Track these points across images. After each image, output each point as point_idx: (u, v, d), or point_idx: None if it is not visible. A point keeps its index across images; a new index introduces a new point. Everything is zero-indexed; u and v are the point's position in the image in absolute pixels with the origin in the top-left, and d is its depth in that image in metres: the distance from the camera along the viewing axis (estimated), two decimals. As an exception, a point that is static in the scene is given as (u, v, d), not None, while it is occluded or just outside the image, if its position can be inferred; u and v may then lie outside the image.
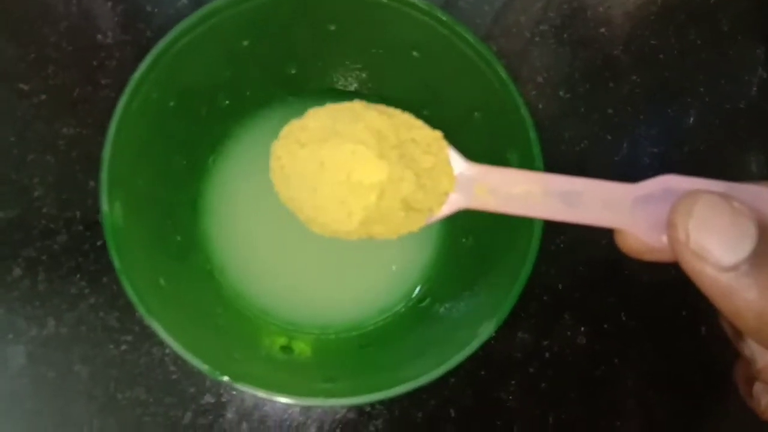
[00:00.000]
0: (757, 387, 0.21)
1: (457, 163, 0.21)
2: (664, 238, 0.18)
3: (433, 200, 0.21)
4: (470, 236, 0.29)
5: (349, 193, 0.20)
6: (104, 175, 0.22)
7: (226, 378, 0.21)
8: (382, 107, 0.22)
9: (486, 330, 0.22)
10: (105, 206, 0.22)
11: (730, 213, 0.16)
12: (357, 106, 0.22)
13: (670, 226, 0.17)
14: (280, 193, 0.22)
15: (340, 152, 0.20)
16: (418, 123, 0.22)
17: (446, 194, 0.21)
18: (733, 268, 0.16)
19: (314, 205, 0.21)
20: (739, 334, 0.21)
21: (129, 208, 0.23)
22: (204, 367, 0.21)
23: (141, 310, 0.21)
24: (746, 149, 0.38)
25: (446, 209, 0.21)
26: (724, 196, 0.17)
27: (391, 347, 0.27)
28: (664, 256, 0.19)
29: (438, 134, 0.22)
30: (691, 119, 0.37)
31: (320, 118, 0.21)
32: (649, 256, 0.19)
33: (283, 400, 0.21)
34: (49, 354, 0.29)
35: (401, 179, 0.20)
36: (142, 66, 0.23)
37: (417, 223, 0.21)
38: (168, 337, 0.21)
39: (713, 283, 0.16)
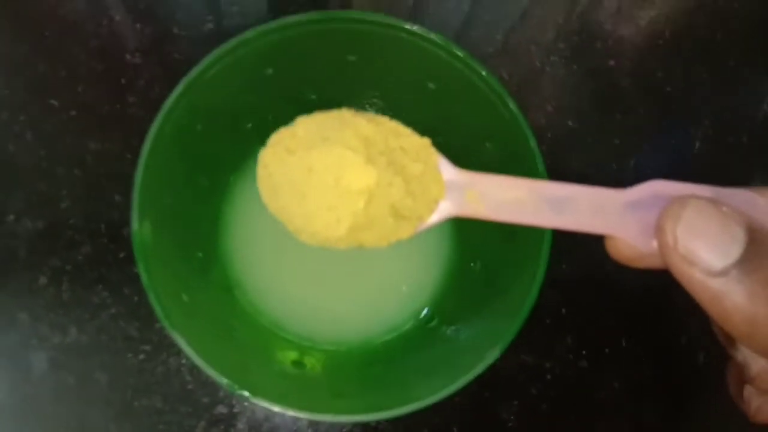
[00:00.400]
0: (748, 390, 0.21)
1: (447, 170, 0.21)
2: (654, 244, 0.18)
3: (422, 207, 0.21)
4: (479, 261, 0.30)
5: (337, 199, 0.20)
6: (136, 195, 0.23)
7: (245, 393, 0.22)
8: (370, 115, 0.22)
9: (491, 355, 0.23)
10: (135, 225, 0.23)
11: (718, 218, 0.16)
12: (345, 114, 0.22)
13: (658, 230, 0.17)
14: (268, 202, 0.21)
15: (329, 157, 0.20)
16: (407, 131, 0.22)
17: (436, 201, 0.21)
18: (722, 272, 0.16)
19: (303, 213, 0.21)
20: (731, 340, 0.21)
21: (156, 226, 0.24)
22: (223, 381, 0.22)
23: (165, 324, 0.22)
24: (749, 181, 0.39)
25: (436, 217, 0.21)
26: (713, 201, 0.17)
27: (399, 366, 0.28)
28: (655, 262, 0.18)
29: (426, 141, 0.21)
30: (696, 150, 0.38)
31: (309, 125, 0.21)
32: (639, 263, 0.19)
33: (297, 414, 0.22)
34: (70, 361, 0.31)
35: (390, 185, 0.20)
36: (174, 93, 0.24)
37: (406, 231, 0.21)
38: (190, 350, 0.22)
39: (702, 287, 0.16)
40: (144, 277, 0.23)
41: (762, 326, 0.16)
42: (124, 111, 0.34)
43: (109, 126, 0.33)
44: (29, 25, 0.34)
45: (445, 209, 0.21)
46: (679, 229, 0.17)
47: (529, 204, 0.20)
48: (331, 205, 0.20)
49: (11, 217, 0.32)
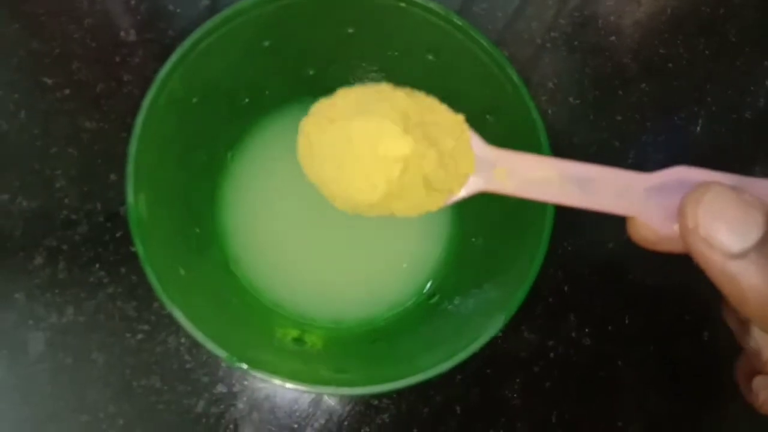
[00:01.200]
0: (757, 381, 0.22)
1: (478, 146, 0.22)
2: (676, 227, 0.19)
3: (453, 181, 0.21)
4: (480, 236, 0.29)
5: (374, 167, 0.21)
6: (130, 168, 0.23)
7: (243, 365, 0.22)
8: (408, 90, 0.22)
9: (495, 325, 0.23)
10: (131, 198, 0.23)
11: (739, 203, 0.17)
12: (385, 87, 0.22)
13: (680, 214, 0.18)
14: (306, 169, 0.22)
15: (368, 127, 0.21)
16: (442, 107, 0.22)
17: (466, 176, 0.21)
18: (741, 255, 0.16)
19: (340, 180, 0.21)
20: (744, 328, 0.22)
21: (152, 200, 0.24)
22: (222, 353, 0.22)
23: (162, 297, 0.22)
24: (752, 159, 0.38)
25: (465, 190, 0.22)
26: (735, 188, 0.17)
27: (401, 342, 0.28)
28: (674, 246, 0.19)
29: (460, 118, 0.22)
30: (698, 128, 0.38)
31: (349, 96, 0.22)
32: (659, 246, 0.20)
33: (297, 387, 0.22)
34: (67, 341, 0.30)
35: (424, 156, 0.21)
36: (168, 63, 0.24)
37: (437, 202, 0.22)
38: (188, 323, 0.22)
39: (721, 269, 0.17)
40: (140, 250, 0.22)
41: None
42: (119, 89, 0.33)
43: (104, 104, 0.33)
44: (22, 2, 0.34)
45: (474, 184, 0.21)
46: (700, 213, 0.17)
47: (556, 183, 0.20)
48: (367, 172, 0.21)
49: (6, 196, 0.31)
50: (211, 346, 0.22)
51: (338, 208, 0.22)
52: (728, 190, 0.17)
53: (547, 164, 0.20)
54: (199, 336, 0.22)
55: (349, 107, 0.22)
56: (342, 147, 0.21)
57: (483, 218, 0.30)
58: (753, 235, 0.16)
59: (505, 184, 0.21)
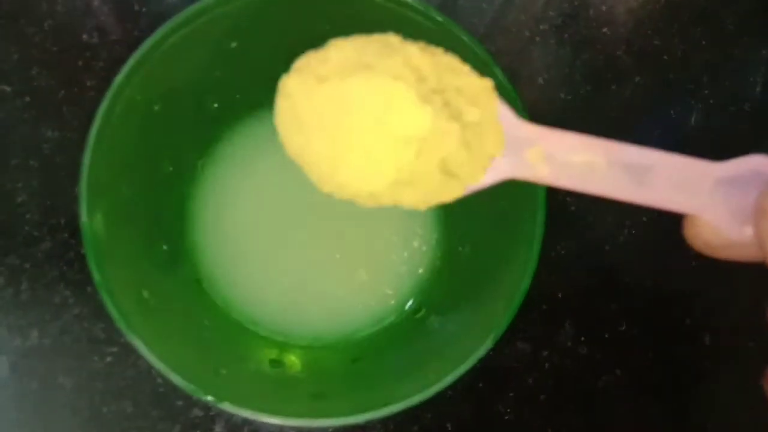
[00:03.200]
0: None
1: (509, 120, 0.17)
2: (748, 230, 0.16)
3: (476, 164, 0.17)
4: (468, 244, 0.28)
5: (379, 145, 0.16)
6: (83, 185, 0.21)
7: (210, 398, 0.20)
8: (422, 44, 0.18)
9: (483, 347, 0.21)
10: (84, 217, 0.21)
11: None
12: (393, 38, 0.17)
13: (759, 213, 0.15)
14: (287, 141, 0.17)
15: (372, 89, 0.16)
16: (465, 68, 0.18)
17: (491, 158, 0.17)
18: None
19: (332, 158, 0.17)
20: None
21: (111, 217, 0.22)
22: (188, 386, 0.20)
23: (121, 326, 0.20)
24: (750, 151, 0.37)
25: (490, 177, 0.17)
26: None
27: (384, 361, 0.26)
28: (746, 253, 0.16)
29: (488, 83, 0.18)
30: (694, 121, 0.36)
31: (345, 48, 0.17)
32: (724, 252, 0.17)
33: (268, 420, 0.20)
34: (32, 365, 0.29)
35: (445, 133, 0.16)
36: (125, 68, 0.22)
37: (454, 191, 0.17)
38: (149, 354, 0.20)
39: None
40: (96, 275, 0.21)
41: None
42: (82, 95, 0.31)
43: (67, 112, 0.31)
44: (-24, 4, 0.32)
45: (501, 168, 0.17)
46: None
47: (603, 170, 0.17)
48: (370, 151, 0.16)
49: (-38, 213, 0.30)
50: (175, 377, 0.20)
51: (326, 193, 0.18)
52: None
53: (595, 146, 0.17)
54: (161, 366, 0.20)
55: (346, 62, 0.17)
56: (336, 116, 0.16)
57: (471, 224, 0.28)
58: None
59: (540, 169, 0.17)
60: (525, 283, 0.22)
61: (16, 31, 0.32)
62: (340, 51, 0.17)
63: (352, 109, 0.16)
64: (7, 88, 0.31)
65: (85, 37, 0.32)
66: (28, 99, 0.31)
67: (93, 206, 0.21)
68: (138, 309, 0.22)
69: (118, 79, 0.22)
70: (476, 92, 0.18)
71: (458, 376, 0.21)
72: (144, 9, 0.32)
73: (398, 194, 0.17)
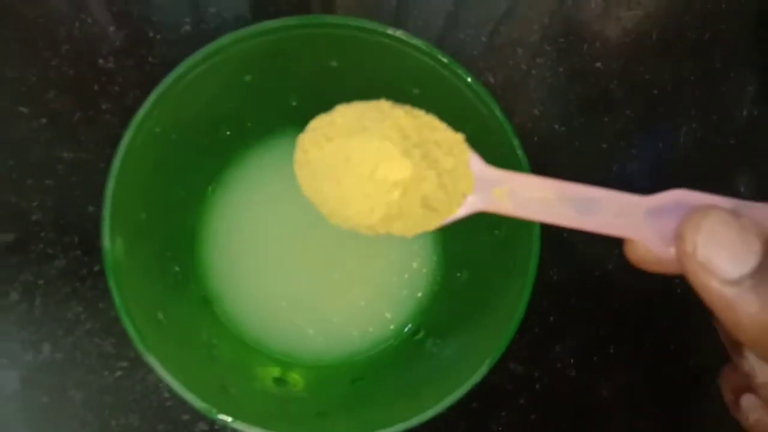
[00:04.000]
0: (746, 401, 0.21)
1: (478, 166, 0.21)
2: (673, 250, 0.19)
3: (452, 201, 0.21)
4: (465, 270, 0.29)
5: (372, 188, 0.21)
6: (106, 212, 0.22)
7: (227, 418, 0.21)
8: (408, 108, 0.22)
9: (480, 371, 0.23)
10: (107, 243, 0.22)
11: (737, 229, 0.17)
12: (384, 104, 0.22)
13: (678, 237, 0.18)
14: (304, 185, 0.22)
15: (367, 148, 0.21)
16: (441, 125, 0.22)
17: (464, 196, 0.21)
18: (738, 282, 0.16)
19: (338, 198, 0.21)
20: (738, 349, 0.22)
21: (130, 242, 0.23)
22: (202, 405, 0.21)
23: (141, 348, 0.21)
24: (735, 184, 0.38)
25: (463, 210, 0.21)
26: (733, 213, 0.17)
27: (384, 382, 0.27)
28: (671, 268, 0.19)
29: (460, 137, 0.22)
30: (683, 152, 0.38)
31: (348, 114, 0.22)
32: (656, 267, 0.20)
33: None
34: (43, 379, 0.29)
35: (424, 178, 0.21)
36: (147, 103, 0.23)
37: (434, 222, 0.21)
38: (166, 374, 0.21)
39: (717, 295, 0.17)
40: (117, 300, 0.22)
41: None
42: (97, 118, 0.32)
43: (82, 134, 0.32)
44: (-4, 29, 0.33)
45: (472, 203, 0.21)
46: (699, 238, 0.17)
47: (556, 204, 0.20)
48: (366, 193, 0.21)
49: (-21, 230, 0.31)
50: (190, 397, 0.21)
51: (335, 224, 0.22)
52: (727, 215, 0.17)
53: (548, 185, 0.20)
54: (177, 386, 0.21)
55: (348, 125, 0.22)
56: (340, 166, 0.21)
57: (468, 251, 0.30)
58: (750, 262, 0.16)
59: (505, 204, 0.21)
60: (520, 311, 0.23)
61: (34, 54, 0.33)
62: (343, 116, 0.22)
63: (353, 161, 0.21)
64: (25, 110, 0.32)
65: (101, 61, 0.33)
66: (44, 120, 0.32)
67: (114, 232, 0.22)
68: (154, 329, 0.23)
69: (140, 113, 0.23)
70: (451, 144, 0.22)
71: (455, 400, 0.23)
72: (158, 36, 0.34)
73: (389, 225, 0.22)
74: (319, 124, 0.22)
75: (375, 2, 0.38)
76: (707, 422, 0.34)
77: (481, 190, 0.21)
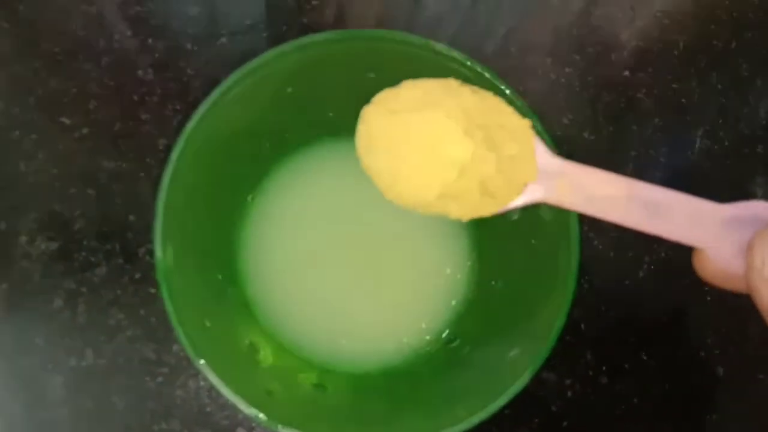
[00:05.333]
0: None
1: (543, 155, 0.21)
2: (743, 264, 0.18)
3: (512, 187, 0.21)
4: (500, 280, 0.29)
5: (431, 165, 0.20)
6: (158, 222, 0.23)
7: (278, 426, 0.22)
8: (475, 87, 0.22)
9: (522, 379, 0.23)
10: (159, 252, 0.23)
11: None
12: (452, 83, 0.22)
13: (748, 249, 0.17)
14: (362, 157, 0.22)
15: (429, 122, 0.20)
16: (509, 109, 0.22)
17: (525, 184, 0.21)
18: None
19: (395, 172, 0.21)
20: None
21: (179, 251, 0.24)
22: (249, 411, 0.22)
23: (191, 354, 0.22)
24: (761, 189, 0.38)
25: (523, 199, 0.21)
26: None
27: (424, 390, 0.28)
28: (740, 286, 0.18)
29: (527, 123, 0.22)
30: (710, 160, 0.38)
31: (414, 89, 0.22)
32: (725, 283, 0.19)
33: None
34: (87, 385, 0.30)
35: (483, 161, 0.20)
36: (195, 117, 0.24)
37: (491, 208, 0.21)
38: (216, 379, 0.22)
39: None
40: (170, 307, 0.22)
41: None
42: (137, 128, 0.33)
43: (122, 144, 0.33)
44: (39, 41, 0.34)
45: (533, 192, 0.21)
46: None
47: (623, 203, 0.19)
48: (423, 169, 0.20)
49: (24, 238, 0.31)
50: (238, 402, 0.22)
51: (390, 199, 0.22)
52: None
53: (617, 182, 0.19)
54: (227, 392, 0.22)
55: (413, 99, 0.21)
56: (401, 140, 0.21)
57: (504, 260, 0.30)
58: None
59: (567, 198, 0.20)
60: (561, 319, 0.24)
61: (75, 66, 0.34)
62: (409, 90, 0.22)
63: (414, 136, 0.21)
64: (67, 121, 0.33)
65: (140, 73, 0.34)
66: (85, 131, 0.33)
67: (166, 241, 0.23)
68: (202, 336, 0.23)
69: (189, 126, 0.24)
70: (516, 129, 0.21)
71: (497, 408, 0.23)
72: (196, 48, 0.35)
73: (445, 205, 0.21)
74: (384, 97, 0.22)
75: (387, 13, 0.38)
76: (732, 430, 0.34)
77: (543, 181, 0.20)
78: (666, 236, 0.19)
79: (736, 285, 0.18)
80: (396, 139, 0.21)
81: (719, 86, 0.39)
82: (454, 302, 0.31)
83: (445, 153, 0.20)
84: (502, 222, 0.25)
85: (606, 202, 0.19)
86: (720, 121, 0.38)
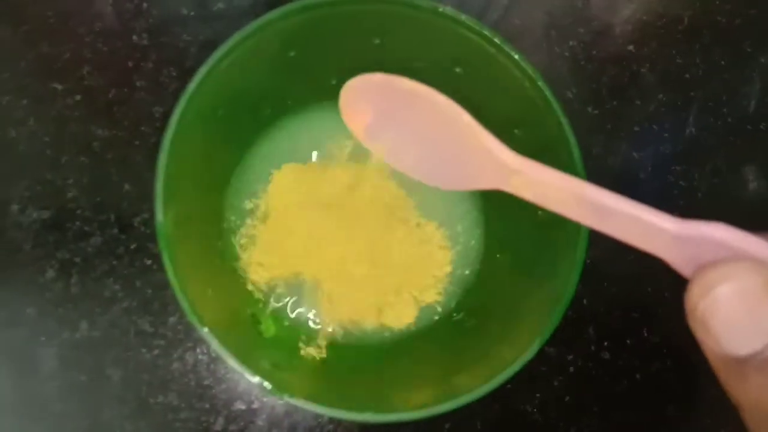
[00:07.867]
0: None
1: (501, 151, 0.21)
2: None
3: None
4: (507, 252, 0.29)
5: None
6: (159, 186, 0.22)
7: (285, 395, 0.21)
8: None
9: (531, 350, 0.23)
10: (160, 216, 0.22)
11: (754, 301, 0.14)
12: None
13: (690, 281, 0.16)
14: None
15: None
16: None
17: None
18: (744, 359, 0.14)
19: None
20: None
21: (180, 217, 0.23)
22: (255, 380, 0.21)
23: (194, 321, 0.21)
24: (766, 169, 0.38)
25: (482, 186, 0.22)
26: (762, 281, 0.15)
27: (427, 362, 0.27)
28: None
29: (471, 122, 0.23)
30: (714, 138, 0.38)
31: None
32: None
33: (340, 415, 0.21)
34: (80, 357, 0.29)
35: None
36: (197, 77, 0.23)
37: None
38: (221, 348, 0.21)
39: (717, 366, 0.15)
40: (171, 274, 0.21)
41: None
42: (131, 95, 0.32)
43: (117, 111, 0.32)
44: (31, 5, 0.33)
45: (492, 183, 0.22)
46: (703, 303, 0.15)
47: (573, 204, 0.19)
48: None
49: (15, 207, 0.30)
50: (244, 370, 0.21)
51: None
52: (754, 277, 0.15)
53: (568, 183, 0.19)
54: (232, 361, 0.21)
55: None
56: None
57: (510, 232, 0.29)
58: (755, 344, 0.14)
59: (523, 193, 0.21)
60: (570, 290, 0.24)
61: (67, 31, 0.33)
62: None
63: None
64: (59, 87, 0.32)
65: (135, 38, 0.33)
66: (78, 97, 0.32)
67: (167, 206, 0.22)
68: (205, 305, 0.22)
69: (191, 87, 0.23)
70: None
71: (505, 379, 0.23)
72: (192, 13, 0.33)
73: None
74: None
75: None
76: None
77: (502, 174, 0.21)
78: (620, 239, 0.18)
79: None
80: None
81: (722, 62, 0.39)
82: (467, 272, 0.30)
83: None
84: (508, 194, 0.24)
85: (558, 202, 0.20)
86: (724, 97, 0.38)
